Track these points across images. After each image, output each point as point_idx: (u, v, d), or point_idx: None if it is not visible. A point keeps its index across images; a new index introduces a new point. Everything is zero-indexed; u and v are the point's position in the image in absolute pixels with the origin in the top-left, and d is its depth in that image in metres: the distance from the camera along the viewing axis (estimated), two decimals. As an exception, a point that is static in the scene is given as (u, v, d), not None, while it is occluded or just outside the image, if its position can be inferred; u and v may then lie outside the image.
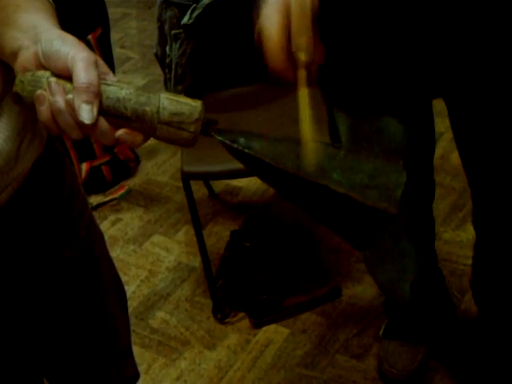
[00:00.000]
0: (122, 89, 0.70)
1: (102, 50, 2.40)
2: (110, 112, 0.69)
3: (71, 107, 0.68)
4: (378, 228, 0.69)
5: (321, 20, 0.84)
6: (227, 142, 0.70)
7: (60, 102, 0.68)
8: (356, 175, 0.70)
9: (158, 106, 0.69)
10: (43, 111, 0.69)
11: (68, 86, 0.69)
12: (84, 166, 2.51)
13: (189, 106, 0.70)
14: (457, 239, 2.08)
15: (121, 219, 2.42)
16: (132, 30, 3.65)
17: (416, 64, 1.16)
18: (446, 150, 2.34)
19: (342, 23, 1.14)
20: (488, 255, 1.46)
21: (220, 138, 0.70)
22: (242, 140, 0.70)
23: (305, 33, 0.81)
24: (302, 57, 0.81)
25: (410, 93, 1.23)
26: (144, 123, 0.69)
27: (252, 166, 0.70)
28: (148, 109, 0.69)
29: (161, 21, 2.03)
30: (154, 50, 2.13)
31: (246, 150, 0.69)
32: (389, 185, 0.69)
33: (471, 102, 1.21)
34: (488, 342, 1.64)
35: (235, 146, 0.70)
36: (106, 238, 1.16)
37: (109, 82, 0.70)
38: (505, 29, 1.09)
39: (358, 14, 1.13)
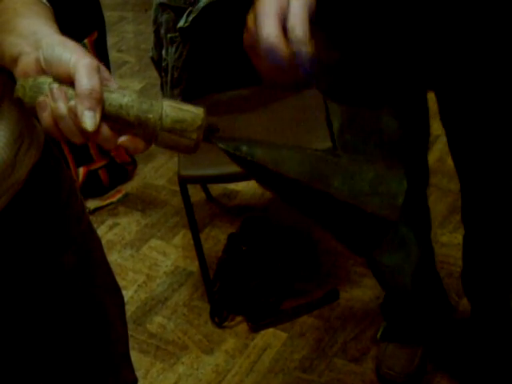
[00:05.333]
0: (125, 96, 0.69)
1: (99, 53, 2.39)
2: (112, 118, 0.69)
3: (74, 113, 0.67)
4: (379, 235, 0.69)
5: (316, 14, 0.83)
6: (230, 149, 0.70)
7: (62, 108, 0.68)
8: (357, 183, 0.70)
9: (161, 114, 0.69)
10: (45, 117, 0.69)
11: (70, 91, 0.68)
12: (81, 170, 2.50)
13: (191, 114, 0.70)
14: (454, 241, 2.08)
15: (118, 223, 2.42)
16: (128, 33, 3.64)
17: (410, 54, 1.16)
18: (442, 152, 2.34)
19: (337, 16, 1.14)
20: (477, 249, 1.47)
21: (222, 146, 0.70)
22: (244, 147, 0.70)
23: (303, 25, 0.79)
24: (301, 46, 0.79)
25: (405, 83, 1.23)
26: (146, 130, 0.69)
27: (255, 173, 0.70)
28: (151, 116, 0.69)
29: (157, 24, 2.03)
30: (150, 54, 2.13)
31: (249, 158, 0.69)
32: (390, 193, 0.70)
33: (462, 96, 1.21)
34: (485, 343, 1.64)
35: (238, 153, 0.70)
36: (104, 242, 1.16)
37: (111, 89, 0.70)
38: (499, 27, 1.09)
39: (352, 8, 1.13)
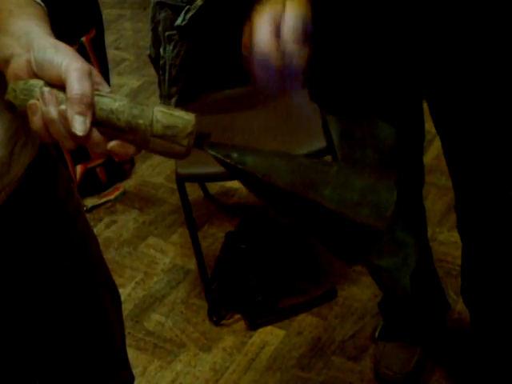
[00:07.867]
0: (116, 100, 0.69)
1: (97, 51, 2.39)
2: (103, 123, 0.69)
3: (64, 118, 0.67)
4: (368, 245, 0.70)
5: (312, 24, 0.84)
6: (220, 156, 0.70)
7: (53, 112, 0.67)
8: (347, 192, 0.70)
9: (152, 119, 0.69)
10: (36, 121, 0.68)
11: (61, 95, 0.68)
12: (79, 168, 2.50)
13: (182, 120, 0.69)
14: (452, 240, 2.08)
15: (116, 221, 2.42)
16: (126, 31, 3.64)
17: (404, 64, 1.17)
18: (440, 150, 2.32)
19: (333, 25, 1.14)
20: (475, 262, 1.47)
21: (213, 153, 0.70)
22: (234, 155, 0.70)
23: (295, 38, 0.81)
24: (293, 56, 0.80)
25: (399, 93, 1.24)
26: (137, 136, 0.69)
27: (245, 180, 0.71)
28: (141, 121, 0.68)
29: (154, 22, 2.03)
30: (148, 52, 2.13)
31: (239, 166, 0.69)
32: (380, 203, 0.70)
33: (454, 105, 1.22)
34: (483, 343, 1.64)
35: (228, 160, 0.70)
36: (101, 240, 1.16)
37: (102, 93, 0.70)
38: (491, 34, 1.10)
39: (348, 17, 1.13)
